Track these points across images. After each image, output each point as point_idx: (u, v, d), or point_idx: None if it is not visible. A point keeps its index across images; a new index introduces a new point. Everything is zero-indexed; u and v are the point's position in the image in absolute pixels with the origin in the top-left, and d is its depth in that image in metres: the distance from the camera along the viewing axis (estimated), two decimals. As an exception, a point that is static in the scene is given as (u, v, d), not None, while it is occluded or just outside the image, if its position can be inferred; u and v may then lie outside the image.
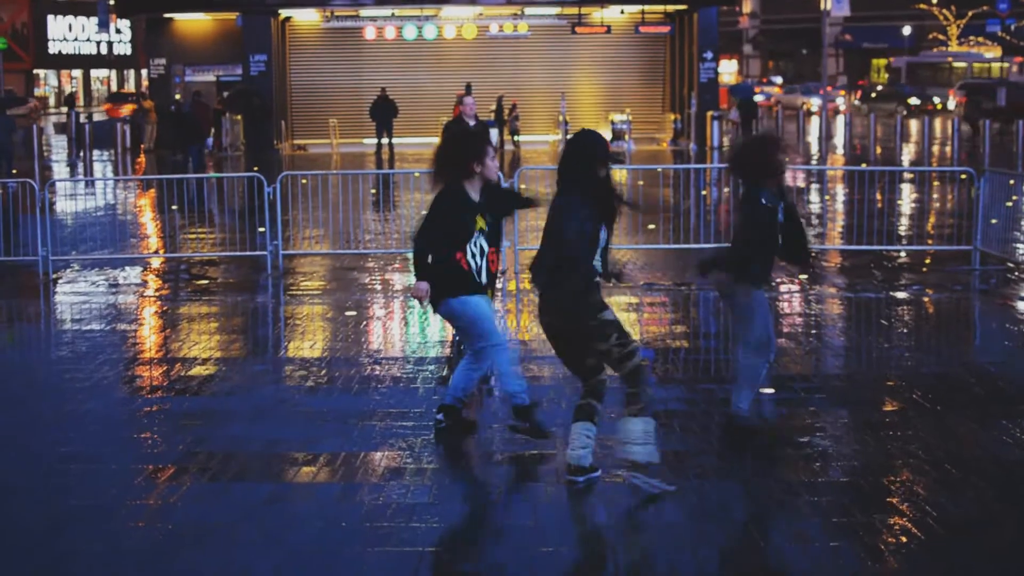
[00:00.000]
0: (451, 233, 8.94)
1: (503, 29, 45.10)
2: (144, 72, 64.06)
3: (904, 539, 7.26)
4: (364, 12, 44.34)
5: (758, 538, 7.52)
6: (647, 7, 44.46)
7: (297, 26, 46.46)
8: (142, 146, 43.95)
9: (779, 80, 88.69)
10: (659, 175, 25.42)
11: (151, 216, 25.00)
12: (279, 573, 6.89)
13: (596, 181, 8.11)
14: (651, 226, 19.79)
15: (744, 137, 9.37)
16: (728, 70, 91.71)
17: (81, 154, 40.77)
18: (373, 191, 27.38)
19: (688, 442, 9.24)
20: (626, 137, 41.97)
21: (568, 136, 8.13)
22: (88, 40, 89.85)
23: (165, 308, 15.00)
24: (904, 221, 22.12)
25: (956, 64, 76.52)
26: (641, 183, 23.76)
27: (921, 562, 6.98)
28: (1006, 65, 76.29)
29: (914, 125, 53.76)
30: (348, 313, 14.32)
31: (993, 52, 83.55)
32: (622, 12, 45.09)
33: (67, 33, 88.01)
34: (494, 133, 36.36)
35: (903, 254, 18.12)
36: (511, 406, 9.22)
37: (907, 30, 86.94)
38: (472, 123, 18.05)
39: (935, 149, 41.43)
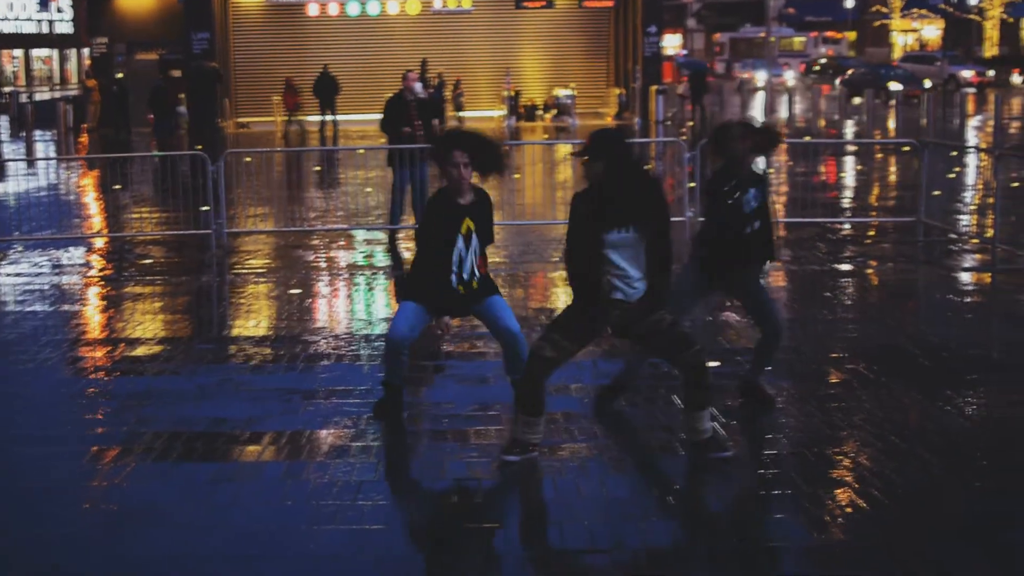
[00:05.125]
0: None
1: (447, 4, 45.04)
2: (86, 51, 63.49)
3: (849, 510, 7.31)
4: (307, -12, 44.24)
5: (703, 511, 7.55)
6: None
7: (240, 3, 46.18)
8: (84, 125, 43.61)
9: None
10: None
11: (94, 196, 24.78)
12: (225, 552, 6.86)
13: None
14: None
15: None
16: (672, 43, 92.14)
17: (23, 134, 40.36)
18: (317, 168, 27.26)
19: (634, 416, 9.27)
20: (571, 112, 42.03)
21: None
22: (29, 19, 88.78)
23: (109, 288, 14.88)
24: (848, 193, 22.22)
25: (770, 39, 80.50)
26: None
27: (866, 533, 7.01)
28: (804, 39, 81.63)
29: (856, 98, 54.01)
30: (293, 291, 14.25)
31: (937, 25, 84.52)
32: (566, -14, 45.25)
33: (7, 12, 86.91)
34: None
35: (847, 226, 18.21)
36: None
37: (850, 3, 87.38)
38: (411, 97, 18.00)
39: (878, 121, 41.65)
